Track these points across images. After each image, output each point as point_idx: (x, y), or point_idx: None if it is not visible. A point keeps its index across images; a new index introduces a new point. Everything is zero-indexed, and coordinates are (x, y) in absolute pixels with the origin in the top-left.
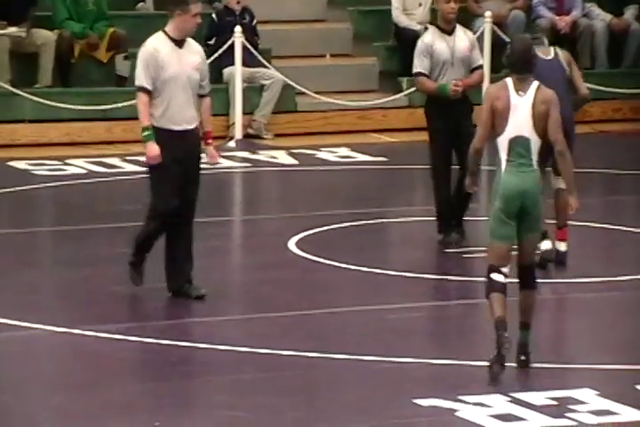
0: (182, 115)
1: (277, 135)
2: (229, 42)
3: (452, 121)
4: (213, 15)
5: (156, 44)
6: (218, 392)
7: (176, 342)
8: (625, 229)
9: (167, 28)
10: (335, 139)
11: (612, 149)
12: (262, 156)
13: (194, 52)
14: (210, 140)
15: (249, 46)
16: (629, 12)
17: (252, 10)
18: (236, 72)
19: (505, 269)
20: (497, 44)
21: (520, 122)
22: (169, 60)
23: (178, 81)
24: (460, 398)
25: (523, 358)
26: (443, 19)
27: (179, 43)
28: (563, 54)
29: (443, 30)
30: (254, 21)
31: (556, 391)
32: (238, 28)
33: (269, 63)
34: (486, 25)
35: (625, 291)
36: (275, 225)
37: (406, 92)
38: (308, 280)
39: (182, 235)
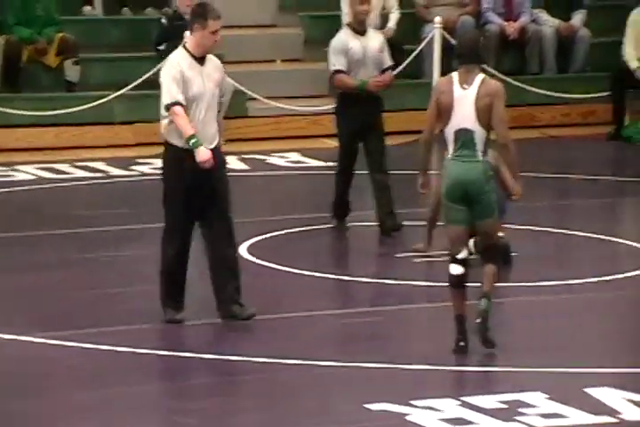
0: (206, 133)
1: (228, 140)
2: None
3: (364, 119)
4: (163, 20)
5: (180, 61)
6: (172, 398)
7: (129, 349)
8: (574, 232)
9: (188, 44)
10: (286, 144)
11: (561, 153)
12: None
13: (215, 69)
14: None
15: None
16: (577, 18)
17: None
18: None
19: (461, 255)
20: (446, 50)
21: (464, 114)
22: (192, 78)
23: (203, 99)
24: (411, 402)
25: (479, 320)
26: (355, 20)
27: (200, 60)
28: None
29: (356, 31)
30: None
31: (506, 395)
32: (188, 33)
33: None
34: (436, 31)
35: (574, 294)
36: None
37: None
38: (260, 286)
39: (222, 256)
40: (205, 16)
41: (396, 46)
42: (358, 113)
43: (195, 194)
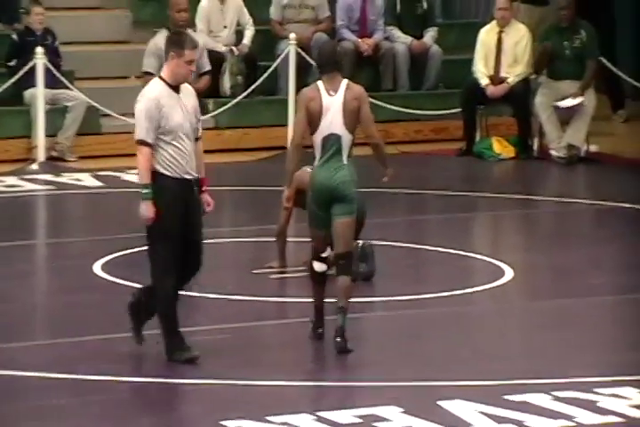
0: (189, 162)
1: (82, 157)
2: (31, 63)
3: None
4: (14, 36)
5: (157, 93)
6: (25, 419)
7: None
8: (428, 248)
9: (163, 73)
10: None
11: (414, 169)
12: (66, 178)
13: (190, 96)
14: (204, 188)
15: (51, 68)
16: (429, 35)
17: (55, 30)
18: (38, 94)
19: (324, 254)
20: (302, 67)
21: (332, 121)
22: (172, 109)
23: (183, 129)
24: (267, 418)
25: (339, 339)
26: (173, 25)
27: (175, 88)
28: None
29: None
30: (56, 42)
31: (361, 409)
32: (40, 50)
33: (73, 85)
34: (290, 47)
35: (427, 308)
36: (80, 248)
37: (213, 114)
38: (114, 303)
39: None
40: (182, 45)
41: (251, 63)
42: None
43: (182, 223)
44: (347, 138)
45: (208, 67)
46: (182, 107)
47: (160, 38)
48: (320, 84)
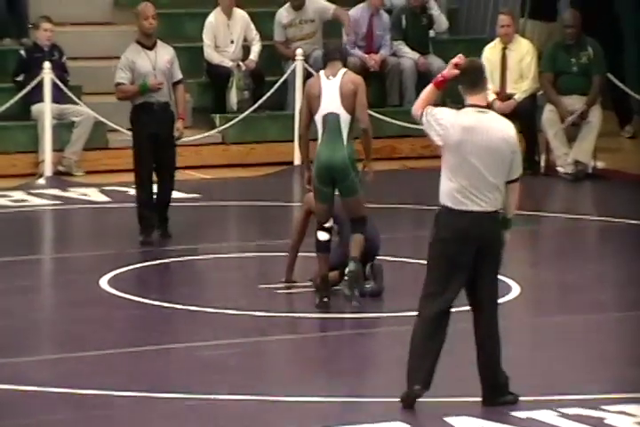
0: None
1: (89, 172)
2: (38, 78)
3: (155, 127)
4: (22, 51)
5: None
6: None
7: None
8: None
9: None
10: None
11: (421, 185)
12: (73, 193)
13: None
14: None
15: (58, 83)
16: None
17: (62, 46)
18: (46, 109)
19: (327, 224)
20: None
21: (330, 100)
22: None
23: None
24: None
25: (346, 278)
26: (142, 34)
27: None
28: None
29: (143, 46)
30: (64, 58)
31: (368, 425)
32: (47, 65)
33: (80, 100)
34: (297, 63)
35: None
36: (87, 263)
37: (219, 129)
38: (120, 318)
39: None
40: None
41: (258, 78)
42: (148, 121)
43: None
44: (345, 117)
45: (180, 76)
46: None
47: (130, 52)
48: (322, 72)
